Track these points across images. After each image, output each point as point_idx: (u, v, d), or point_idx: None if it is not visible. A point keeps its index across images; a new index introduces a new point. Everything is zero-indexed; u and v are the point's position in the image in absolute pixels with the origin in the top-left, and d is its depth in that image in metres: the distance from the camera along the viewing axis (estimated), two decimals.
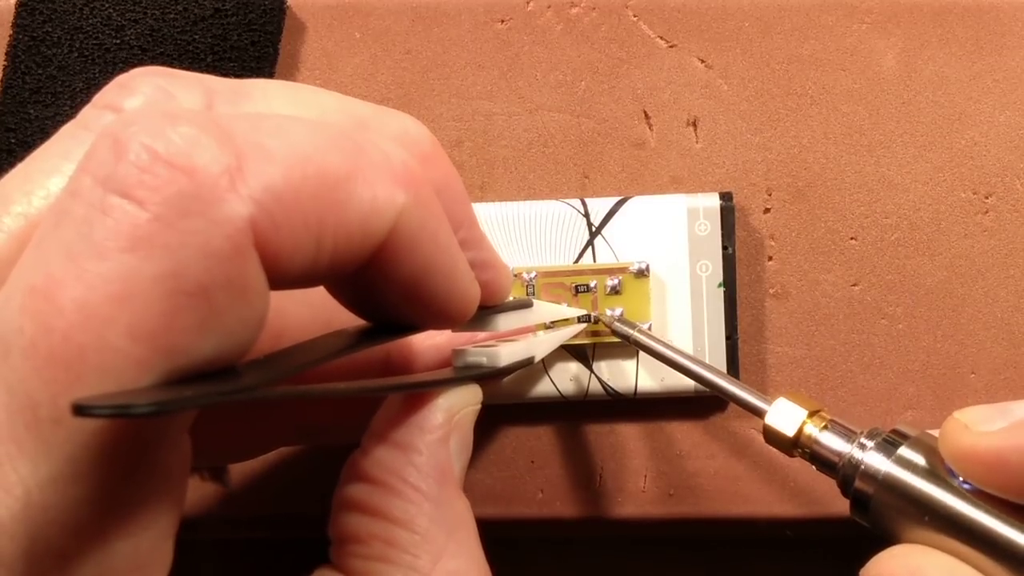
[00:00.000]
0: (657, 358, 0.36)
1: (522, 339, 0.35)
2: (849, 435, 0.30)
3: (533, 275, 0.38)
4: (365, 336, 0.25)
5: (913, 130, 0.40)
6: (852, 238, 0.40)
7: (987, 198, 0.40)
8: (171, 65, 0.40)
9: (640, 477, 0.41)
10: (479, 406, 0.29)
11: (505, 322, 0.31)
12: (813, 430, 0.31)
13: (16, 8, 0.41)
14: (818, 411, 0.32)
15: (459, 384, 0.28)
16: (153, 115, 0.20)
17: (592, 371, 0.39)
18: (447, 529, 0.26)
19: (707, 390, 0.35)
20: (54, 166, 0.23)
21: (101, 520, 0.19)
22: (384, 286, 0.24)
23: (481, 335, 0.34)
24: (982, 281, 0.40)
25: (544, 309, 0.36)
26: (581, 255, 0.39)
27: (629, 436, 0.41)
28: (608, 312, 0.38)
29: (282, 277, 0.21)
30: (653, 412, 0.41)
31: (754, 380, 0.40)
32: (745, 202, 0.41)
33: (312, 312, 0.31)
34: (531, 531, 0.42)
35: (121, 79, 0.24)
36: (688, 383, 0.38)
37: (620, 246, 0.39)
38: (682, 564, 0.49)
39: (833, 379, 0.40)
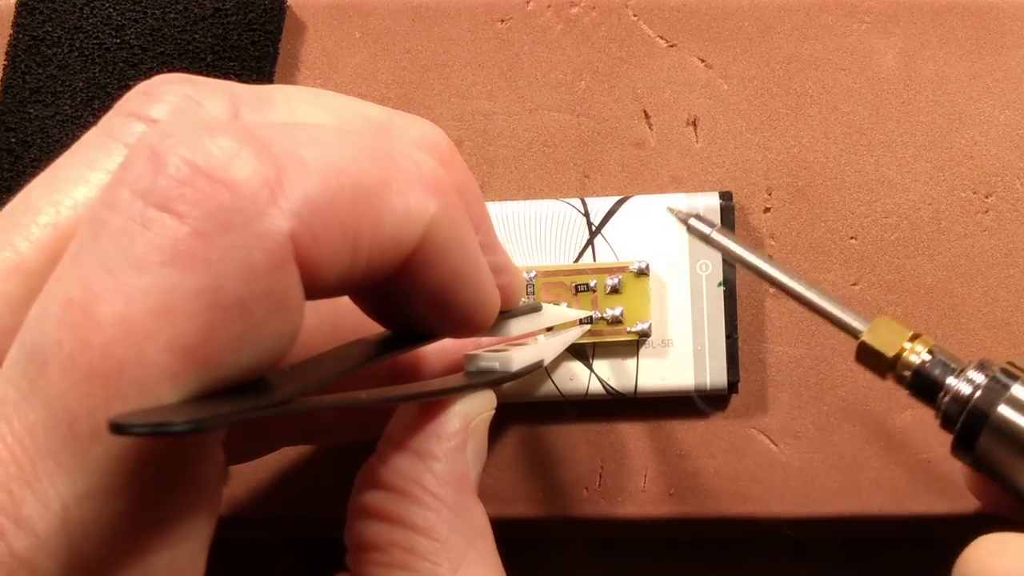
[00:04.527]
0: (741, 264, 0.32)
1: (529, 343, 0.35)
2: (955, 365, 0.28)
3: (533, 274, 0.38)
4: (387, 345, 0.25)
5: (913, 130, 0.41)
6: (852, 238, 0.41)
7: (987, 198, 0.40)
8: (171, 65, 0.40)
9: (640, 477, 0.41)
10: (493, 411, 0.29)
11: (517, 326, 0.31)
12: (916, 352, 0.28)
13: (16, 8, 0.40)
14: (920, 335, 0.29)
15: (474, 390, 0.28)
16: (190, 127, 0.19)
17: (592, 370, 0.39)
18: (466, 536, 0.26)
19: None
20: (81, 175, 0.23)
21: (139, 534, 0.19)
22: (411, 294, 0.24)
23: (486, 340, 0.34)
24: (982, 281, 0.40)
25: (551, 312, 0.36)
26: (581, 254, 0.39)
27: (629, 435, 0.41)
28: (609, 311, 0.38)
29: (318, 288, 0.21)
30: (653, 411, 0.41)
31: (754, 379, 0.40)
32: (745, 202, 0.41)
33: (318, 318, 0.30)
34: (531, 531, 0.42)
35: (144, 86, 0.24)
36: (688, 382, 0.38)
37: (620, 245, 0.39)
38: (682, 564, 0.49)
39: (833, 379, 0.41)
